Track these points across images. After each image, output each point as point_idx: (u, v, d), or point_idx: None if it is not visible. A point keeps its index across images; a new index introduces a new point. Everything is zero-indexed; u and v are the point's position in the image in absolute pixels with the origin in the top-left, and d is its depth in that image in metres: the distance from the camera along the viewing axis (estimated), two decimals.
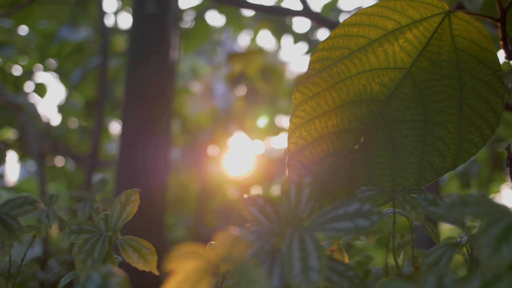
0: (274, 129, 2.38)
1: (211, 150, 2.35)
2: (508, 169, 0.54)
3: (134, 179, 1.23)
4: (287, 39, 2.19)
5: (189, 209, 2.33)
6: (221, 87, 2.70)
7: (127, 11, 2.21)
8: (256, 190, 2.28)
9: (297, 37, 2.11)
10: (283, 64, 2.52)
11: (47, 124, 1.93)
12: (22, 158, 2.10)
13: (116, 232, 0.44)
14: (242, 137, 2.39)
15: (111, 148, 2.59)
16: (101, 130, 1.58)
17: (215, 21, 4.21)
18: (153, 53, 1.32)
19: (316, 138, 0.52)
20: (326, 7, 1.99)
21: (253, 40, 2.45)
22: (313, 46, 2.02)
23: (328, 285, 0.39)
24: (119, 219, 0.45)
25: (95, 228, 0.45)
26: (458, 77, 0.52)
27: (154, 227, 1.22)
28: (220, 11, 2.16)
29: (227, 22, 2.26)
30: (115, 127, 2.45)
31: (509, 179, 0.54)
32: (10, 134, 2.16)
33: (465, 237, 0.48)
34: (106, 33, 1.66)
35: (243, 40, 3.00)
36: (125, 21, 3.82)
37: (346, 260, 0.53)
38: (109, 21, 2.16)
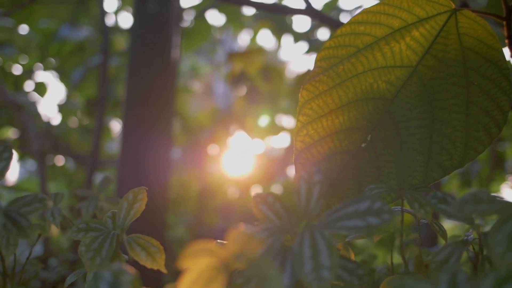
0: (274, 129, 2.38)
1: (211, 149, 2.35)
2: None
3: (135, 179, 1.23)
4: (287, 39, 2.19)
5: (189, 208, 2.33)
6: (221, 86, 2.70)
7: (128, 11, 2.21)
8: (256, 190, 2.28)
9: (297, 37, 2.11)
10: (283, 64, 2.52)
11: (48, 123, 1.93)
12: (22, 157, 2.09)
13: (124, 230, 0.44)
14: (242, 137, 2.38)
15: (112, 147, 2.59)
16: (102, 129, 1.57)
17: (215, 20, 4.20)
18: (154, 52, 1.32)
19: (323, 136, 0.52)
20: (327, 6, 1.99)
21: (253, 39, 2.44)
22: (313, 45, 2.02)
23: (338, 283, 0.39)
24: (127, 217, 0.45)
25: (103, 226, 0.45)
26: (465, 75, 0.52)
27: (156, 226, 1.22)
28: (220, 10, 2.16)
29: (227, 21, 2.25)
30: (116, 126, 2.44)
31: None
32: (11, 133, 2.16)
33: (471, 235, 0.48)
34: (107, 32, 1.65)
35: (243, 39, 3.00)
36: (126, 20, 3.82)
37: (353, 259, 0.52)
38: (110, 20, 2.16)
